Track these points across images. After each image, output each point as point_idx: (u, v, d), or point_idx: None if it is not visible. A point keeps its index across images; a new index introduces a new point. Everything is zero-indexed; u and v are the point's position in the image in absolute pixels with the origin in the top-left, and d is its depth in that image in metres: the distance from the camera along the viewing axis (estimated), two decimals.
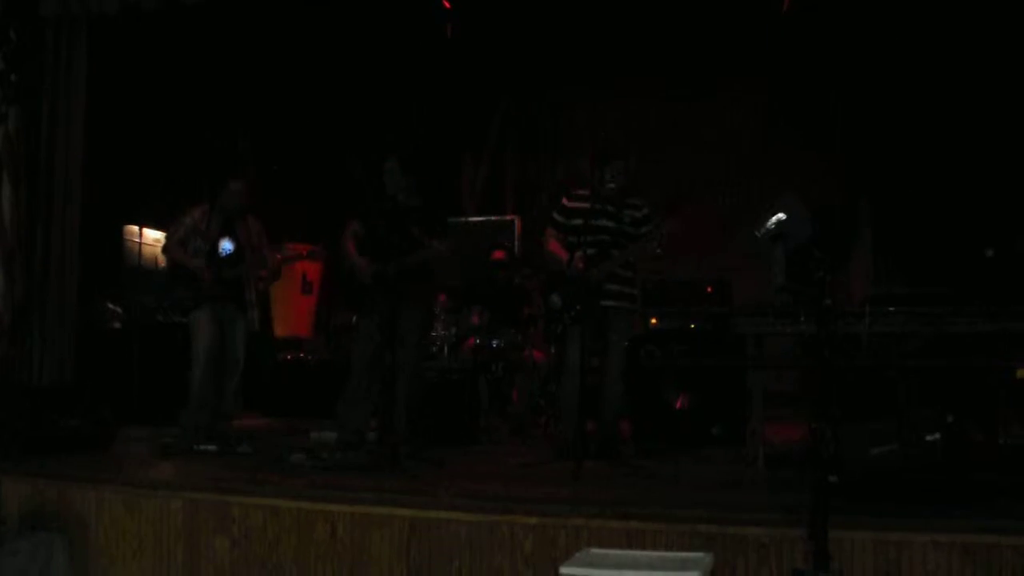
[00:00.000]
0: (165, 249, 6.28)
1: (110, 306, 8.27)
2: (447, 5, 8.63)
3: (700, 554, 3.56)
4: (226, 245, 6.10)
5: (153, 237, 9.33)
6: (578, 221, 5.64)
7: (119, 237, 9.07)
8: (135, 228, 9.21)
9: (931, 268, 7.30)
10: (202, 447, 5.75)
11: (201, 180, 7.01)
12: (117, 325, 8.22)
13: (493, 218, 10.06)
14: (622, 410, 5.83)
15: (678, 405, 6.31)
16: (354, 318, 5.69)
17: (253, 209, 6.32)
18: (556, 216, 5.84)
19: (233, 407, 6.13)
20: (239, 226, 6.16)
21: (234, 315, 6.08)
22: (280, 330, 9.76)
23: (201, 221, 6.10)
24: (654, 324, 6.68)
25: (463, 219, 9.90)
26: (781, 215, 3.30)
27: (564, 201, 5.82)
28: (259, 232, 6.27)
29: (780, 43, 8.45)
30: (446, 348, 7.47)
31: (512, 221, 9.94)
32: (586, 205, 5.65)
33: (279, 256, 6.32)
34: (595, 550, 3.71)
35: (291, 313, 9.97)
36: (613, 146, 5.87)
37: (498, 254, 8.23)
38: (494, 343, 7.34)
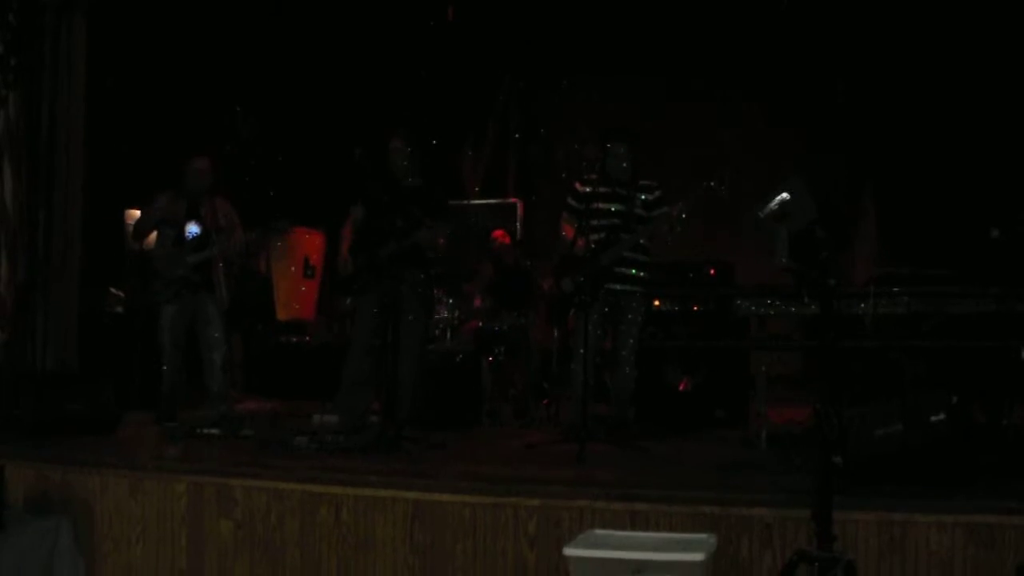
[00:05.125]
0: (133, 237, 6.27)
1: (112, 290, 8.27)
2: None
3: (704, 535, 3.57)
4: (192, 229, 6.06)
5: None
6: (592, 205, 5.59)
7: (121, 221, 9.05)
8: (137, 212, 9.19)
9: (936, 249, 7.28)
10: (205, 430, 5.75)
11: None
12: (119, 309, 8.22)
13: (495, 201, 10.02)
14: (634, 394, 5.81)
15: (681, 387, 6.31)
16: (348, 300, 5.66)
17: (221, 188, 6.26)
18: (570, 201, 5.70)
19: (224, 384, 6.12)
20: (204, 208, 6.10)
21: (203, 298, 6.05)
22: (283, 313, 9.76)
23: (168, 206, 6.08)
24: (657, 306, 6.67)
25: (465, 201, 9.85)
26: (785, 195, 3.27)
27: (576, 185, 5.70)
28: (227, 212, 6.19)
29: (783, 27, 8.39)
30: (448, 331, 7.46)
31: (515, 204, 9.90)
32: (597, 188, 5.60)
33: (251, 235, 6.22)
34: (599, 531, 3.72)
35: (294, 296, 9.96)
36: (617, 128, 5.78)
37: (498, 234, 8.18)
38: (496, 326, 7.33)
